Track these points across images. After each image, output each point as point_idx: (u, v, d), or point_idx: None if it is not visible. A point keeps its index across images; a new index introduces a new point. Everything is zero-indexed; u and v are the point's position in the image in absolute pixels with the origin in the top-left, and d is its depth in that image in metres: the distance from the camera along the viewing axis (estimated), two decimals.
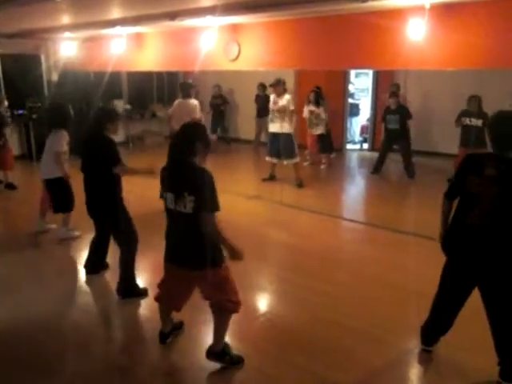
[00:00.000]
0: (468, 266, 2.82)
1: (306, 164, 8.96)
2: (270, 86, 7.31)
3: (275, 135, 7.31)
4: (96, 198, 3.97)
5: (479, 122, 7.02)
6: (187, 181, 2.71)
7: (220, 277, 2.84)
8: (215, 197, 2.69)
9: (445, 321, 3.02)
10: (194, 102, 6.15)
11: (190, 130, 2.86)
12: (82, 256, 4.60)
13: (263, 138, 10.50)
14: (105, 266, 4.41)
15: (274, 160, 7.53)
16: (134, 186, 7.06)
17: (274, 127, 7.26)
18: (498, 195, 2.62)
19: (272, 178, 7.76)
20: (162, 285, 3.10)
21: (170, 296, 3.09)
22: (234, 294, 2.93)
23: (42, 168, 5.10)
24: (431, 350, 3.16)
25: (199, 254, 2.75)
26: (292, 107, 7.14)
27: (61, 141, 4.93)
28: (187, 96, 6.19)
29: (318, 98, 8.47)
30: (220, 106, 10.90)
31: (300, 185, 7.49)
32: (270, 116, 7.32)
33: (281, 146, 7.24)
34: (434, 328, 3.10)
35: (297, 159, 7.40)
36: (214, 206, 2.69)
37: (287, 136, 7.19)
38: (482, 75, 7.81)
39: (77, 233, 5.25)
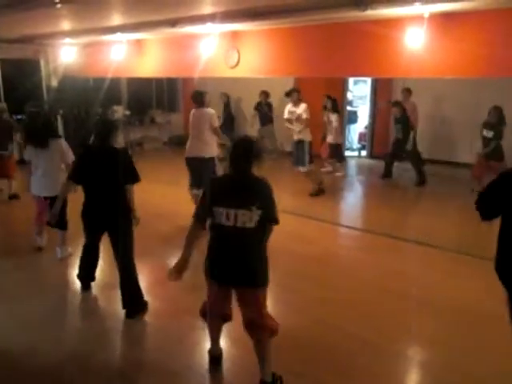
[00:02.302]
0: None
1: (323, 170, 8.97)
2: (286, 94, 7.27)
3: (294, 143, 7.35)
4: (115, 208, 3.81)
5: (490, 134, 6.92)
6: (252, 193, 2.70)
7: (263, 297, 2.82)
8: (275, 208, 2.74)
9: None
10: (211, 110, 5.91)
11: (249, 147, 2.76)
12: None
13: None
14: (93, 279, 4.32)
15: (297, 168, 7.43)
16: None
17: (295, 135, 7.29)
18: None
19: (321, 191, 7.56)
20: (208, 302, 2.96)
21: (218, 308, 2.94)
22: (270, 317, 2.86)
23: (49, 184, 4.73)
24: None
25: (255, 271, 2.75)
26: (305, 115, 7.08)
27: (70, 150, 4.77)
28: (202, 105, 5.88)
29: (335, 105, 8.63)
30: (230, 115, 10.82)
31: (315, 193, 7.41)
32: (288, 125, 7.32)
33: (295, 152, 7.34)
34: None
35: (305, 168, 7.28)
36: (276, 218, 2.75)
37: (299, 143, 7.24)
38: (504, 84, 7.64)
39: (70, 249, 5.07)
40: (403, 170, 8.60)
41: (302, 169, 7.28)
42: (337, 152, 8.94)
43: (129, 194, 3.81)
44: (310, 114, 7.53)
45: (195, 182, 5.74)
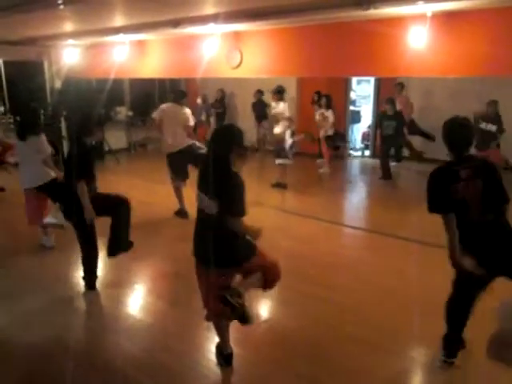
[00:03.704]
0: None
1: (321, 171, 9.04)
2: (271, 92, 7.61)
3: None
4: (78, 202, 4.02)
5: (493, 128, 7.16)
6: (216, 183, 2.70)
7: None
8: (242, 201, 2.69)
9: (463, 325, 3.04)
10: (188, 110, 6.16)
11: (228, 133, 2.85)
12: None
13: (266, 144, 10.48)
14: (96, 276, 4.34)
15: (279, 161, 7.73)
16: (134, 191, 7.03)
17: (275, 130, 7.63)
18: (483, 187, 2.71)
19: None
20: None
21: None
22: None
23: (29, 177, 4.88)
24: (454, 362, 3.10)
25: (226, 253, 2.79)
26: (287, 114, 7.47)
27: (45, 144, 4.89)
28: (179, 102, 6.11)
29: (329, 101, 8.76)
30: (222, 113, 10.93)
31: (278, 185, 7.64)
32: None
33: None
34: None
35: (281, 161, 7.61)
36: (240, 211, 2.70)
37: (278, 137, 7.55)
38: (500, 80, 7.70)
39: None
40: (405, 169, 8.60)
41: (279, 161, 7.61)
42: (333, 141, 9.04)
43: (78, 190, 3.89)
44: (311, 113, 7.52)
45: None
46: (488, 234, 2.81)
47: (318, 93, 9.12)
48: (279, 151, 7.55)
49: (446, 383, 3.05)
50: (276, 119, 7.49)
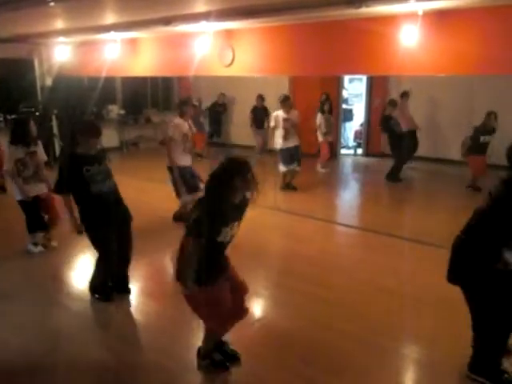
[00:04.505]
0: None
1: (324, 171, 9.06)
2: (281, 102, 7.40)
3: (290, 148, 7.47)
4: None
5: (488, 139, 7.24)
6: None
7: None
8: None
9: None
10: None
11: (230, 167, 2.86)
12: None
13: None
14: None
15: (291, 167, 7.64)
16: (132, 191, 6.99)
17: (291, 142, 7.43)
18: (489, 209, 2.65)
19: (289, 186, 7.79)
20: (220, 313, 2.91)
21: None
22: None
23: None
24: None
25: None
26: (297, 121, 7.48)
27: (7, 157, 4.74)
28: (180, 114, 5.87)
29: (331, 106, 8.80)
30: (220, 114, 10.90)
31: (294, 188, 7.67)
32: (283, 133, 7.34)
33: (293, 155, 7.51)
34: None
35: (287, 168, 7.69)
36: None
37: (298, 147, 7.53)
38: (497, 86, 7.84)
39: (40, 248, 5.05)
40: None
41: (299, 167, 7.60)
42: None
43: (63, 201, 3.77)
44: (307, 113, 7.49)
45: None
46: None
47: (327, 95, 8.98)
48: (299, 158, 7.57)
49: (443, 382, 3.06)
50: (288, 130, 7.30)
